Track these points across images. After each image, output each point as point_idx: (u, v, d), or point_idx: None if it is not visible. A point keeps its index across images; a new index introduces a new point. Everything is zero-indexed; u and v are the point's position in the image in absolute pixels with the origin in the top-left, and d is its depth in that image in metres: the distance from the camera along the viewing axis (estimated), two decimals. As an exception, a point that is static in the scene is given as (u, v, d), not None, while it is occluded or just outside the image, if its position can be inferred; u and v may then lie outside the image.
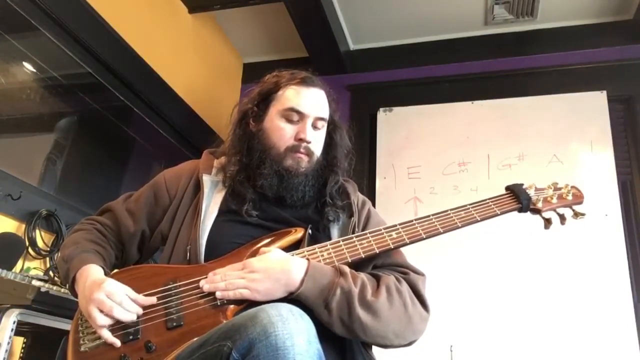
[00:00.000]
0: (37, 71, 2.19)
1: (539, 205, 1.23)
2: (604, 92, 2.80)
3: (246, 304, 1.01)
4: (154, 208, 1.26)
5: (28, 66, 2.16)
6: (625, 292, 2.46)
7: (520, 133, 2.84)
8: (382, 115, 3.11)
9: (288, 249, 1.10)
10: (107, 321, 0.99)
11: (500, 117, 2.91)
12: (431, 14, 3.02)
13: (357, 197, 1.31)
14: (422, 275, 1.16)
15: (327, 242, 1.11)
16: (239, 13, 3.11)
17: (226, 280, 1.02)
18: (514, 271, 2.59)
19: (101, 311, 0.99)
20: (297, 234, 1.14)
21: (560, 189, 1.28)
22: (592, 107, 2.79)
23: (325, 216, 1.21)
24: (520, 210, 1.22)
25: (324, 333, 1.00)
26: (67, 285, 1.14)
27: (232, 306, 1.01)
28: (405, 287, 1.09)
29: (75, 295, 1.10)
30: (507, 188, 1.26)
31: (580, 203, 1.28)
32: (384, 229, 1.13)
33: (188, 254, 1.12)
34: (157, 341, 0.98)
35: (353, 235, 1.13)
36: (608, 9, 2.92)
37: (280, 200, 1.21)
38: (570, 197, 1.26)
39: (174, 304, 1.02)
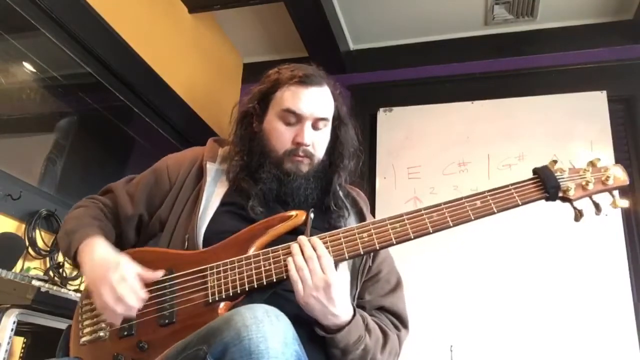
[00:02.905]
0: (37, 71, 2.19)
1: (570, 194, 1.03)
2: (604, 92, 2.80)
3: (239, 300, 0.99)
4: (153, 193, 1.24)
5: (28, 66, 2.16)
6: (625, 292, 2.46)
7: (520, 133, 2.84)
8: (382, 115, 3.11)
9: (288, 234, 1.06)
10: (115, 306, 0.97)
11: (500, 117, 2.91)
12: (431, 14, 3.02)
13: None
14: (408, 329, 1.19)
15: (326, 234, 1.03)
16: (239, 13, 3.11)
17: (311, 277, 0.97)
18: (514, 271, 2.59)
19: (113, 295, 0.97)
20: (299, 217, 1.08)
21: (600, 169, 1.05)
22: (592, 107, 2.79)
23: (330, 222, 1.18)
24: (547, 199, 1.04)
25: (314, 335, 1.00)
26: (70, 259, 1.12)
27: (223, 304, 0.99)
28: (396, 348, 1.12)
29: (77, 267, 1.09)
30: (535, 171, 1.06)
31: (624, 186, 1.05)
32: (389, 219, 1.04)
33: (186, 243, 1.10)
34: (149, 339, 0.98)
35: (354, 227, 1.04)
36: (608, 9, 2.92)
37: (284, 202, 1.18)
38: (611, 182, 1.04)
39: (168, 298, 1.01)
